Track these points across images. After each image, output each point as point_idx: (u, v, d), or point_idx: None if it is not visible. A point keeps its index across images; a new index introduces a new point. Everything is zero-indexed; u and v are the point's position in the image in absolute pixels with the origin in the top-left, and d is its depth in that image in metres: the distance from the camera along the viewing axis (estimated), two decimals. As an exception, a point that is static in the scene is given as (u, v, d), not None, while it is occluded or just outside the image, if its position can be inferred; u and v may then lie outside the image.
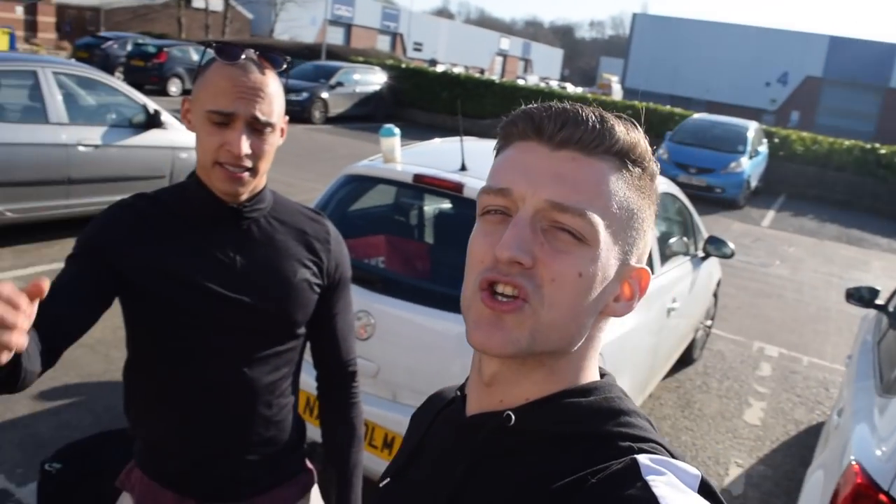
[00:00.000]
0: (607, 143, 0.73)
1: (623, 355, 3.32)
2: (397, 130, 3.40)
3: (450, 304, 2.93)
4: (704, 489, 0.67)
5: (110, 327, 4.80)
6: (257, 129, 1.41)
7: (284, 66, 1.48)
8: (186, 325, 1.45)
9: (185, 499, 1.52)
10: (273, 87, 1.44)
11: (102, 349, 4.60)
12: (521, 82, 28.49)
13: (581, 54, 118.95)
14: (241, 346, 1.49)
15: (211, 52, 1.43)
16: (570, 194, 0.71)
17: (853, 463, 2.15)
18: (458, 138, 3.43)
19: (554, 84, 45.25)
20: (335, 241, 1.64)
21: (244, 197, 1.48)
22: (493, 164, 0.80)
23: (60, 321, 1.31)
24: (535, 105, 0.78)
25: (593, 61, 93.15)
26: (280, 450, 1.59)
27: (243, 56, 1.41)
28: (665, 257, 4.11)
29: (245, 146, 1.39)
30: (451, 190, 3.09)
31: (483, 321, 0.73)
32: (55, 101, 6.35)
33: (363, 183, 3.53)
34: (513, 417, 0.74)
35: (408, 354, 2.93)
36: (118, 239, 1.44)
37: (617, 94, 41.39)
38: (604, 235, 0.72)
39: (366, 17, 59.78)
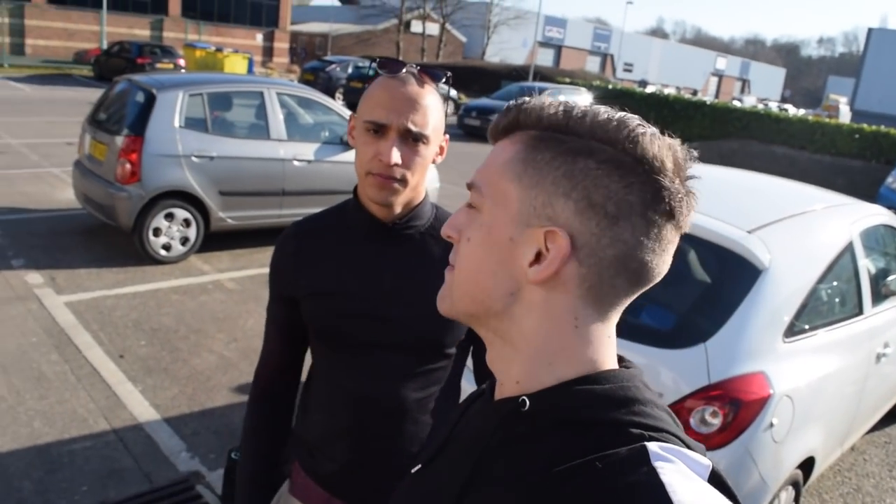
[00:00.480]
0: (506, 127, 0.81)
1: (816, 402, 3.03)
2: None
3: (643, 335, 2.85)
4: (715, 479, 0.66)
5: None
6: (410, 140, 1.43)
7: (444, 79, 1.51)
8: (342, 343, 1.54)
9: (334, 499, 1.61)
10: (430, 101, 1.45)
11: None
12: (735, 103, 27.02)
13: (806, 73, 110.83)
14: (392, 364, 1.53)
15: (375, 67, 1.50)
16: (477, 173, 0.82)
17: None
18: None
19: (773, 105, 42.49)
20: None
21: (398, 211, 1.52)
22: None
23: (290, 356, 1.68)
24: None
25: (820, 81, 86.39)
26: None
27: (404, 70, 1.46)
28: (878, 296, 3.70)
29: (395, 155, 1.41)
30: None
31: None
32: (277, 119, 6.99)
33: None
34: (527, 402, 0.75)
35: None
36: (285, 272, 1.59)
37: (845, 116, 37.97)
38: (488, 203, 0.78)
39: (577, 38, 59.82)
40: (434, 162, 1.52)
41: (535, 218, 0.75)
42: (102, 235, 7.11)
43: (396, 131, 1.42)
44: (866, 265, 3.61)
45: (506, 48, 49.54)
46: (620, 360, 0.80)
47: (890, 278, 3.96)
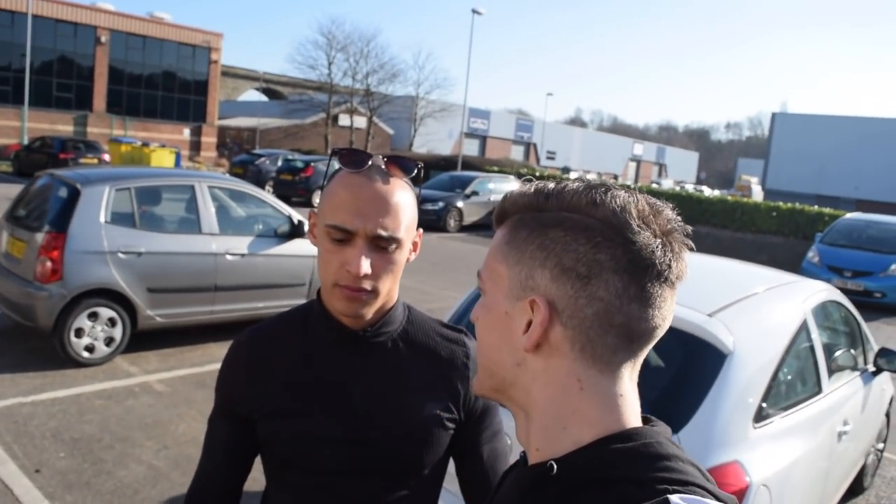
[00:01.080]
0: (498, 217, 0.88)
1: (789, 488, 2.92)
2: None
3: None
4: None
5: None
6: (380, 246, 1.27)
7: (415, 171, 1.33)
8: (305, 469, 1.34)
9: None
10: (400, 198, 1.29)
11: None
12: (655, 186, 28.05)
13: (717, 156, 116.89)
14: (365, 492, 1.34)
15: (336, 162, 1.33)
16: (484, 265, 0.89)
17: None
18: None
19: (689, 187, 44.35)
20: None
21: (369, 318, 1.35)
22: None
23: (233, 476, 1.43)
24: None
25: (731, 163, 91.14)
26: None
27: (369, 163, 1.29)
28: (832, 372, 3.69)
29: (365, 266, 1.25)
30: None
31: None
32: (209, 212, 6.78)
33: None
34: (555, 467, 0.76)
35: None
36: (236, 385, 1.39)
37: (757, 195, 39.90)
38: (488, 285, 0.85)
39: (500, 128, 61.76)
40: (408, 261, 1.36)
41: (521, 291, 0.80)
42: (19, 337, 6.66)
43: (364, 238, 1.25)
44: (820, 342, 3.60)
45: (433, 139, 50.64)
46: (646, 420, 0.82)
47: (837, 353, 3.97)
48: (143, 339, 6.61)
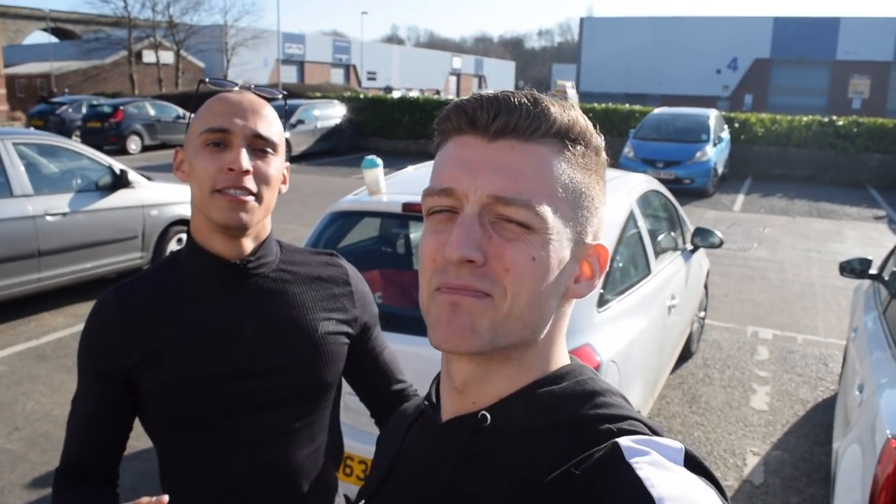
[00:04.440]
0: (544, 126, 0.72)
1: (633, 361, 3.27)
2: (380, 161, 3.34)
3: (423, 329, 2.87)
4: (690, 462, 0.66)
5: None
6: (259, 148, 1.28)
7: (280, 95, 1.38)
8: (207, 415, 1.30)
9: None
10: (271, 112, 1.31)
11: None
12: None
13: (533, 64, 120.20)
14: (273, 424, 1.34)
15: (204, 89, 1.34)
16: (512, 186, 0.70)
17: (891, 438, 2.12)
18: (431, 163, 3.37)
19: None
20: (355, 281, 1.49)
21: (249, 246, 1.34)
22: (434, 163, 0.78)
23: (108, 454, 1.35)
24: (466, 97, 0.76)
25: (546, 69, 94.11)
26: None
27: (237, 88, 1.33)
28: (657, 254, 4.09)
29: (246, 161, 1.24)
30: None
31: (444, 314, 0.71)
32: (18, 172, 6.22)
33: (350, 218, 3.47)
34: (488, 417, 0.73)
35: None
36: (108, 345, 1.31)
37: (573, 98, 41.66)
38: (552, 220, 0.71)
39: (317, 52, 59.92)
40: (280, 191, 1.36)
41: (585, 234, 0.75)
42: None
43: (243, 138, 1.26)
44: (646, 228, 3.97)
45: (248, 69, 48.32)
46: None
47: (660, 237, 4.39)
48: (-36, 318, 6.10)
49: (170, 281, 1.36)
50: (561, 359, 0.78)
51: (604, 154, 0.78)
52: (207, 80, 1.34)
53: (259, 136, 1.27)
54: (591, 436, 0.69)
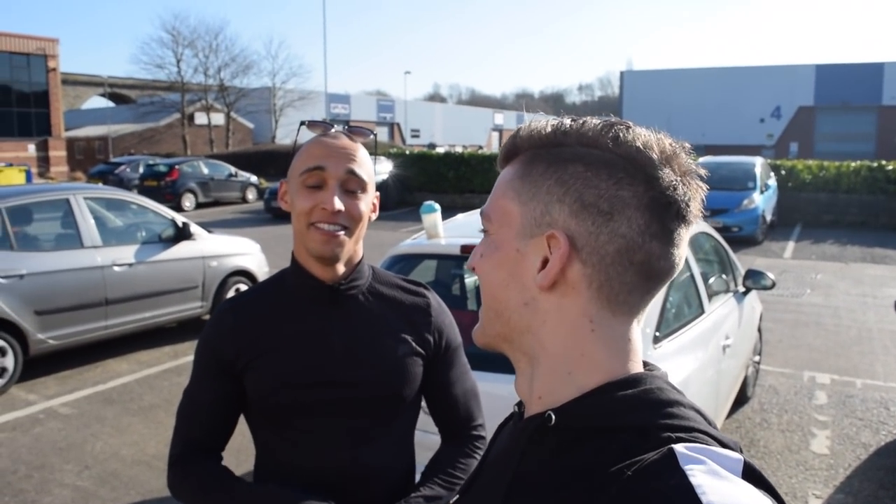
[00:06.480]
0: (506, 154, 0.86)
1: (689, 396, 3.29)
2: (438, 206, 3.49)
3: (509, 365, 2.96)
4: (749, 474, 0.65)
5: (164, 441, 4.82)
6: (350, 188, 1.43)
7: (371, 135, 1.54)
8: (294, 415, 1.46)
9: None
10: (363, 153, 1.47)
11: (160, 464, 4.60)
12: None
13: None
14: (350, 432, 1.48)
15: (304, 130, 1.50)
16: (488, 201, 0.86)
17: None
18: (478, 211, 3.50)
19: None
20: (437, 310, 1.62)
21: (341, 270, 1.50)
22: None
23: (220, 439, 1.55)
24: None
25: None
26: None
27: (333, 129, 1.48)
28: (710, 296, 4.12)
29: (338, 202, 1.39)
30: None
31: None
32: (88, 224, 6.55)
33: (410, 261, 3.61)
34: (553, 417, 0.75)
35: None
36: (223, 347, 1.49)
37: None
38: (496, 223, 0.83)
39: (362, 111, 61.39)
40: (370, 219, 1.52)
41: (536, 228, 0.78)
42: None
43: (336, 179, 1.42)
44: (698, 270, 4.02)
45: (295, 129, 49.50)
46: (644, 364, 0.81)
47: (712, 279, 4.43)
48: (37, 365, 6.37)
49: (275, 296, 1.54)
50: (626, 366, 0.78)
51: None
52: (308, 121, 1.51)
53: (351, 176, 1.43)
54: (649, 442, 0.69)
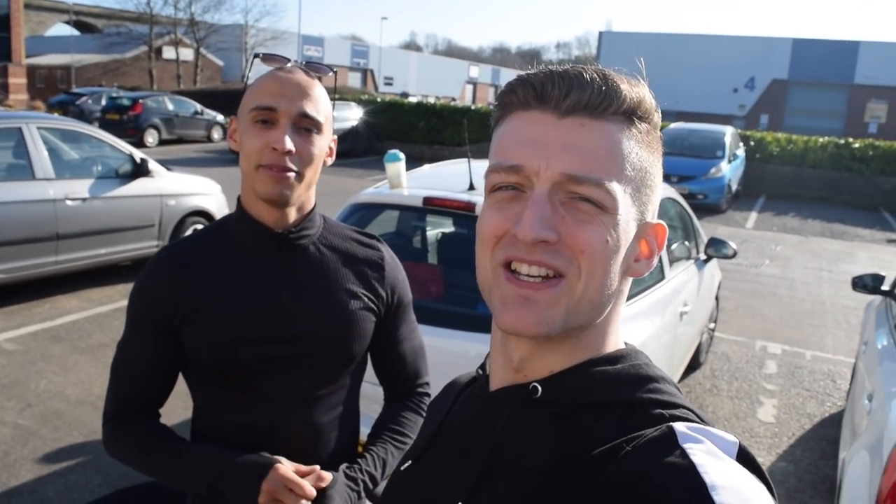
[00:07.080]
0: (615, 104, 0.71)
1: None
2: (402, 155, 3.39)
3: (466, 323, 2.91)
4: (742, 456, 0.65)
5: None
6: (303, 128, 1.33)
7: (330, 72, 1.43)
8: (239, 371, 1.38)
9: None
10: (320, 91, 1.37)
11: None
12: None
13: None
14: (298, 388, 1.41)
15: (258, 63, 1.39)
16: (584, 164, 0.69)
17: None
18: (458, 161, 3.43)
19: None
20: (390, 265, 1.54)
21: (292, 217, 1.40)
22: (496, 137, 0.76)
23: (157, 398, 1.46)
24: (532, 71, 0.75)
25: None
26: None
27: (290, 64, 1.37)
28: (671, 262, 4.12)
29: (288, 142, 1.29)
30: (461, 210, 3.09)
31: (512, 302, 0.71)
32: (41, 156, 6.31)
33: (370, 210, 3.52)
34: (539, 389, 0.73)
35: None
36: (159, 300, 1.38)
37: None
38: (622, 200, 0.71)
39: (336, 55, 60.17)
40: (325, 163, 1.42)
41: (646, 213, 0.75)
42: None
43: (288, 117, 1.31)
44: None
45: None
46: None
47: (674, 245, 4.42)
48: (-19, 297, 6.17)
49: (218, 244, 1.43)
50: (616, 340, 0.78)
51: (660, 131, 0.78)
52: (262, 53, 1.39)
53: (305, 116, 1.32)
54: (642, 418, 0.69)
